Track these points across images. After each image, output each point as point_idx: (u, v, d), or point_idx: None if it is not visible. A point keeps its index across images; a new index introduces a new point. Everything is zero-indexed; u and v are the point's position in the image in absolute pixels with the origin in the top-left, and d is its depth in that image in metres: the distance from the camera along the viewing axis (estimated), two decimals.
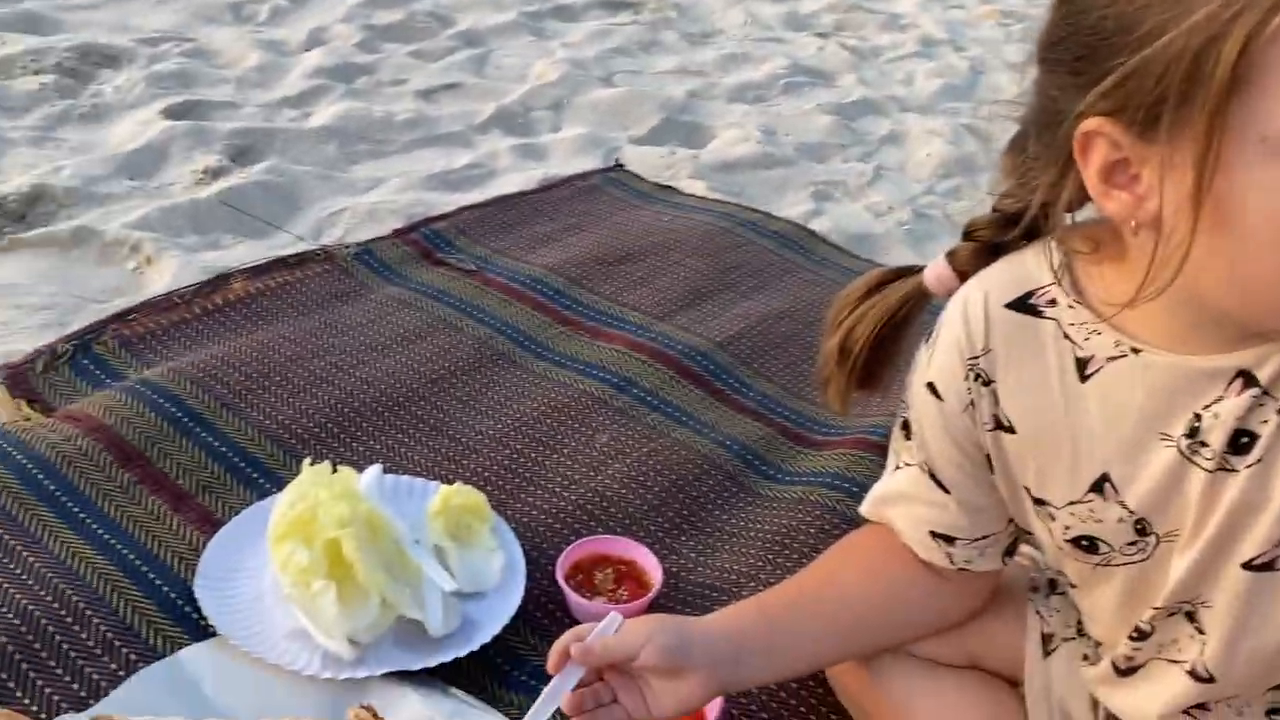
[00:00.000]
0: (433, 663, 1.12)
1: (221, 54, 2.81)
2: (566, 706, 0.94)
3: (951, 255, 0.92)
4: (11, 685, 1.07)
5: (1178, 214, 0.68)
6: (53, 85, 2.52)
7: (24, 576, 1.20)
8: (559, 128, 2.69)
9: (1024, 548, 1.06)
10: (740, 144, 2.67)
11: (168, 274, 1.92)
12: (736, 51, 3.27)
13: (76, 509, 1.31)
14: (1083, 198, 0.76)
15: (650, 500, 1.43)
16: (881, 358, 0.96)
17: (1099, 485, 0.83)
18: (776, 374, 1.75)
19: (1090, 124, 0.70)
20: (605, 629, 0.95)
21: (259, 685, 1.08)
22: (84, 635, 1.14)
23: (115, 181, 2.19)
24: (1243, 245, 0.67)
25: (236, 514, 1.30)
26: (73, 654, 1.11)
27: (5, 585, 1.18)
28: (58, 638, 1.13)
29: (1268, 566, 0.76)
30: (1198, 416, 0.77)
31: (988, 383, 0.87)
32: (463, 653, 1.13)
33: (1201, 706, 0.85)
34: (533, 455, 1.49)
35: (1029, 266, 0.85)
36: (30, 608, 1.15)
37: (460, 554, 1.25)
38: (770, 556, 1.35)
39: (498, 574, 1.25)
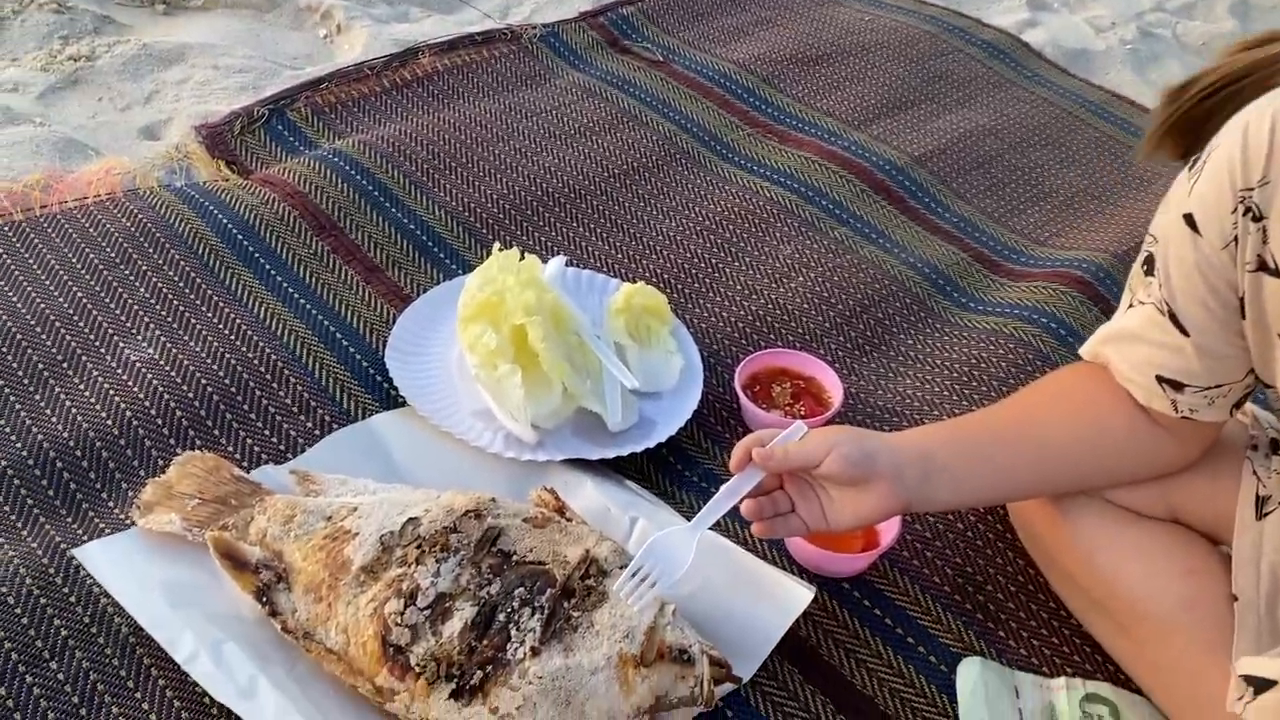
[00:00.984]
0: (610, 454, 1.13)
1: None
2: (745, 511, 0.94)
3: None
4: (217, 434, 1.14)
5: None
6: None
7: (228, 333, 1.25)
8: None
9: (1248, 405, 0.98)
10: None
11: (358, 44, 1.91)
12: None
13: (274, 271, 1.35)
14: None
15: (833, 318, 1.39)
16: (1200, 116, 0.88)
17: None
18: (976, 196, 1.64)
19: None
20: (790, 435, 0.94)
21: (444, 458, 1.12)
22: (283, 394, 1.18)
23: None
24: None
25: (424, 291, 1.31)
26: (272, 410, 1.17)
27: (212, 341, 1.23)
28: (259, 394, 1.18)
29: None
30: None
31: (1259, 218, 0.78)
32: (639, 448, 1.14)
33: None
34: (713, 261, 1.46)
35: None
36: (234, 364, 1.21)
37: (640, 353, 1.24)
38: (957, 386, 1.30)
39: (676, 376, 1.24)
